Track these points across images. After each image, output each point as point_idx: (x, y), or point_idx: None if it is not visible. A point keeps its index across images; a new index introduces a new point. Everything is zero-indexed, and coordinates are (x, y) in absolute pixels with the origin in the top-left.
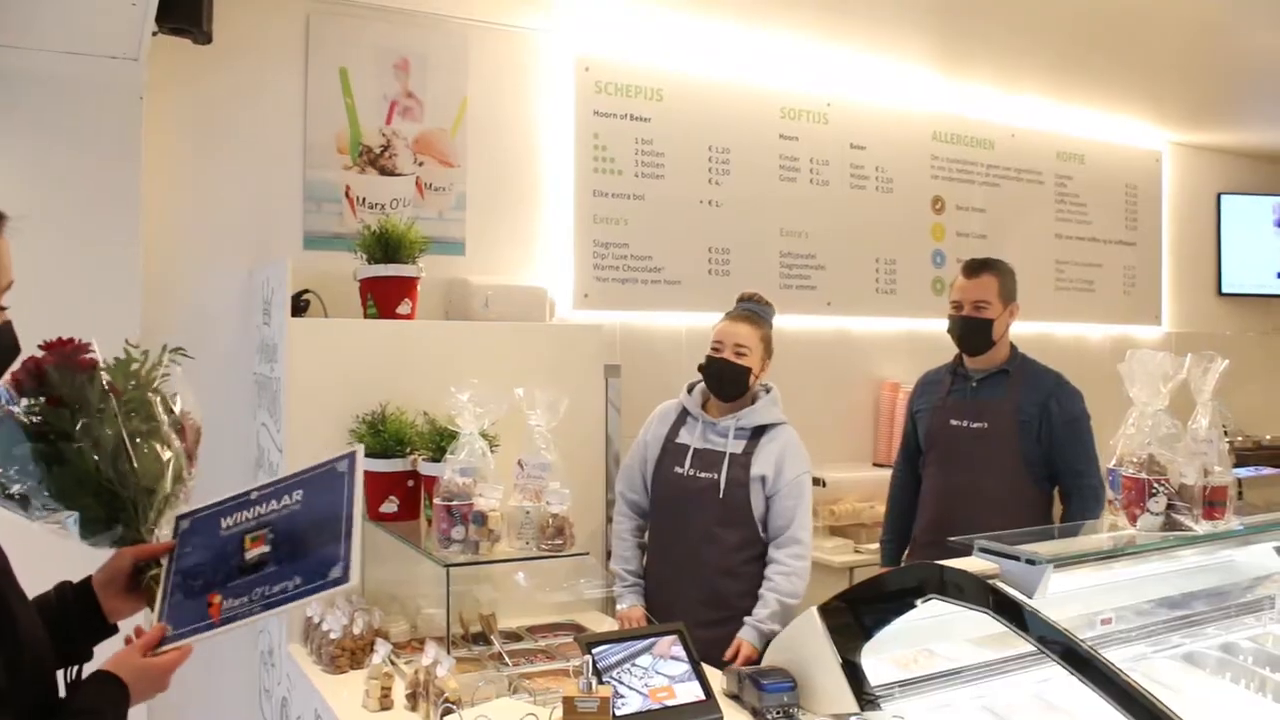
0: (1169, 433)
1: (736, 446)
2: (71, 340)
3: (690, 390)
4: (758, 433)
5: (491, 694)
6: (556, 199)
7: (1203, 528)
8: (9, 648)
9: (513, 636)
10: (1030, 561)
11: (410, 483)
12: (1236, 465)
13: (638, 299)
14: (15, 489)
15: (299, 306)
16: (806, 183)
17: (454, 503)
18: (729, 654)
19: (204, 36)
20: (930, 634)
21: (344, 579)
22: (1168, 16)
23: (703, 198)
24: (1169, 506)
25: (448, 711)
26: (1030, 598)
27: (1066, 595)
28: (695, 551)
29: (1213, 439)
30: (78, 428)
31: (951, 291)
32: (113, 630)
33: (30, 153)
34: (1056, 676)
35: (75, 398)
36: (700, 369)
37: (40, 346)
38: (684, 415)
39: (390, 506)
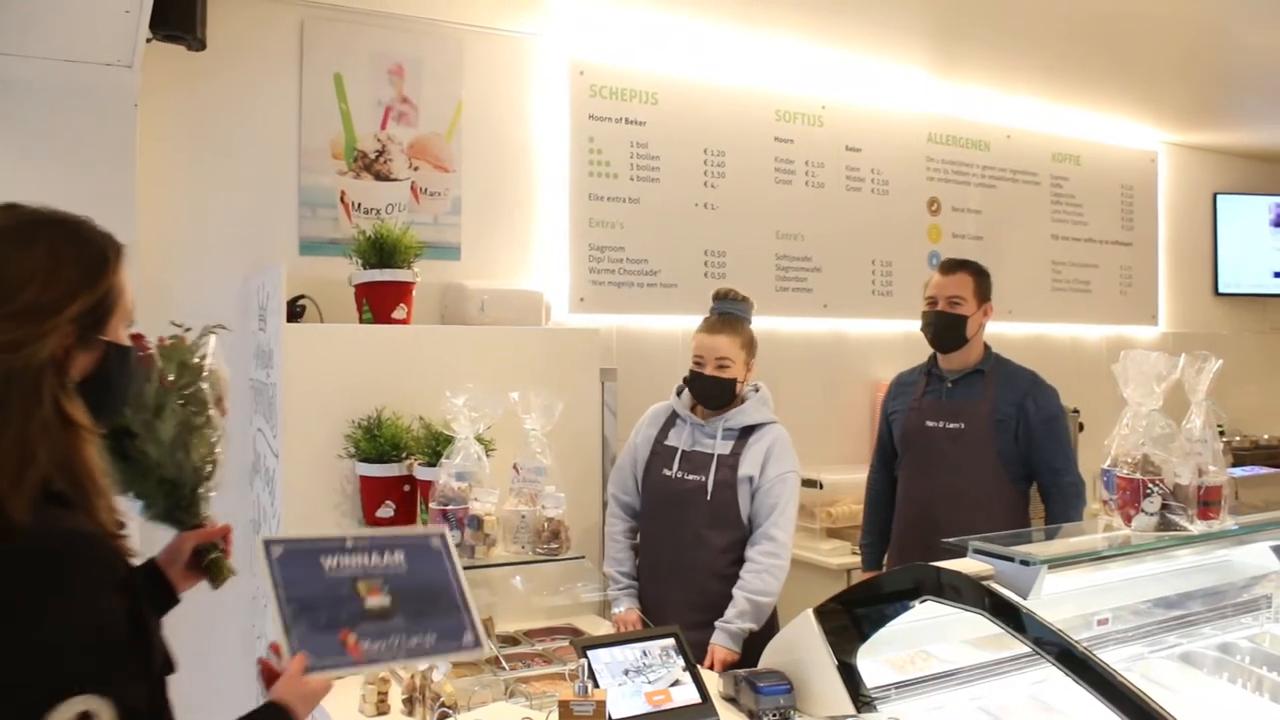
0: (1163, 433)
1: (724, 448)
2: (135, 337)
3: (679, 392)
4: (746, 433)
5: (488, 698)
6: (552, 203)
7: (1197, 528)
8: (150, 679)
9: (510, 640)
10: (1025, 562)
11: (406, 487)
12: (1233, 465)
13: (633, 302)
14: None
15: (294, 312)
16: (802, 185)
17: (450, 507)
18: (706, 663)
19: (198, 43)
20: (926, 635)
21: (477, 645)
22: (1163, 17)
23: (698, 200)
24: (1164, 507)
25: (444, 716)
26: (1025, 599)
27: (1062, 596)
28: (684, 554)
29: (1207, 439)
30: (139, 425)
31: (927, 288)
32: (176, 602)
33: (25, 160)
34: (1052, 677)
35: (136, 397)
36: (685, 382)
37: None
38: (673, 417)
39: (386, 511)
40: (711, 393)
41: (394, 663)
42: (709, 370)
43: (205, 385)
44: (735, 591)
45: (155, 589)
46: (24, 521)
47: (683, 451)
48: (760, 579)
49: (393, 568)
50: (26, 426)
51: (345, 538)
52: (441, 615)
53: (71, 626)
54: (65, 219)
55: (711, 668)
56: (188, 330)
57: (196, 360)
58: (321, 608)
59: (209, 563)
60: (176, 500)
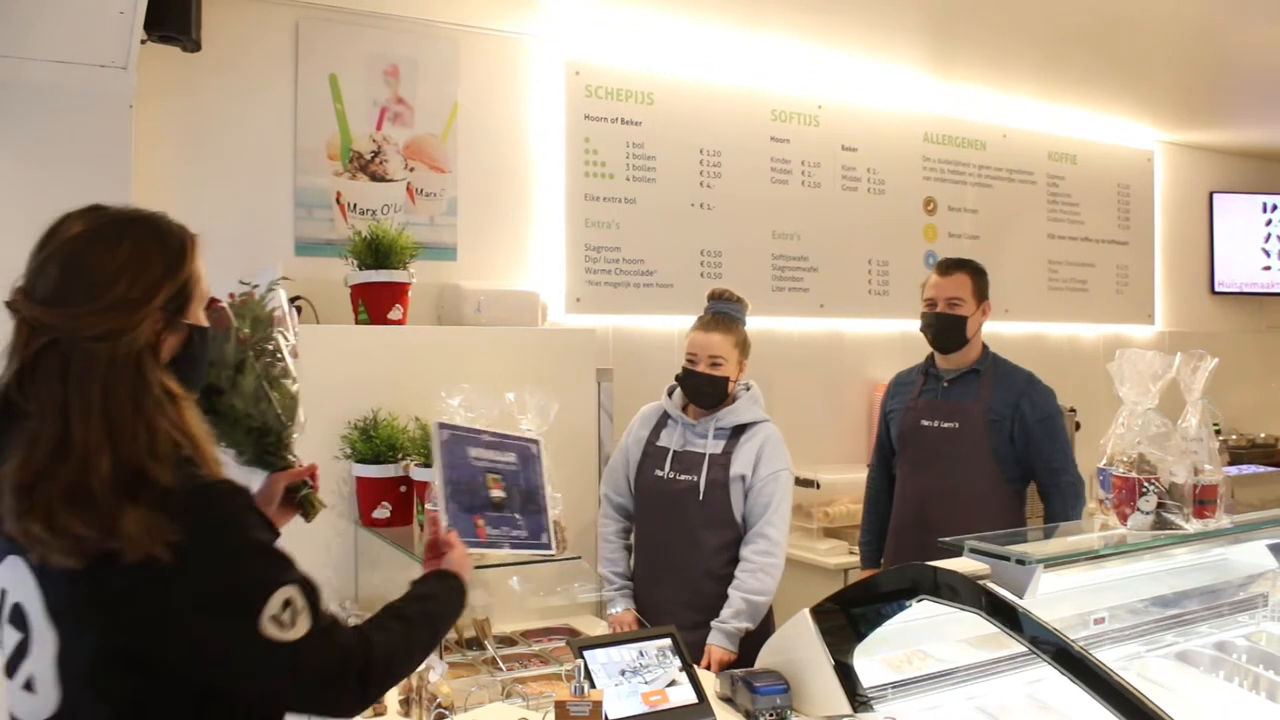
0: (1159, 432)
1: (716, 447)
2: (211, 301)
3: (671, 393)
4: (737, 432)
5: (485, 698)
6: (548, 203)
7: (1193, 526)
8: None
9: (507, 641)
10: (1021, 562)
11: (402, 488)
12: (1230, 464)
13: (629, 303)
14: None
15: None
16: (798, 185)
17: None
18: (703, 664)
19: (193, 44)
20: (923, 635)
21: (549, 548)
22: (1158, 16)
23: (694, 201)
24: (1159, 505)
25: (441, 717)
26: (1021, 598)
27: (1059, 595)
28: (679, 555)
29: (1203, 437)
30: (223, 382)
31: (925, 289)
32: (277, 537)
33: (19, 161)
34: (1049, 676)
35: (218, 356)
36: (678, 380)
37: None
38: (665, 417)
39: (382, 512)
40: (704, 390)
41: (501, 550)
42: (702, 368)
43: (279, 336)
44: (731, 591)
45: None
46: (170, 482)
47: (674, 452)
48: (755, 578)
49: (509, 465)
50: (142, 404)
51: (483, 431)
52: (532, 515)
53: (250, 548)
54: (146, 216)
55: (708, 668)
56: (255, 286)
57: (267, 313)
58: (465, 492)
59: (301, 499)
60: (265, 446)
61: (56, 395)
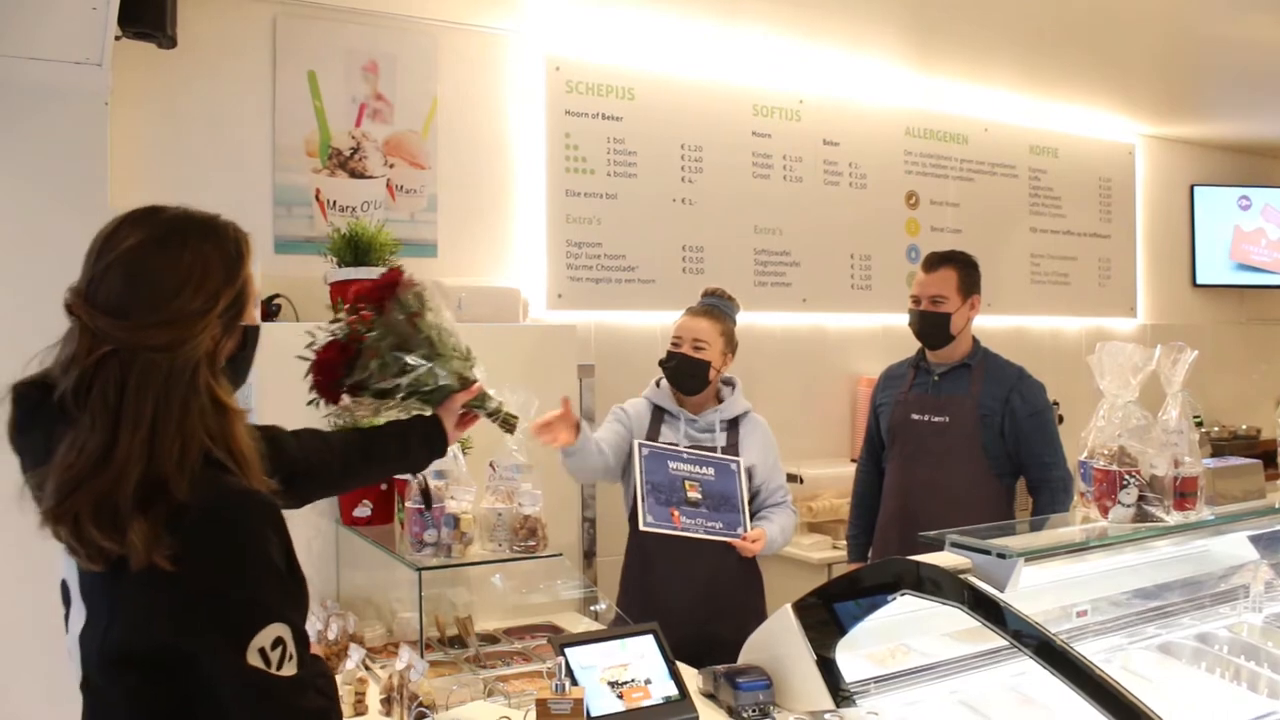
0: (1139, 424)
1: (721, 439)
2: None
3: (659, 383)
4: (733, 423)
5: (466, 697)
6: (529, 199)
7: (1174, 519)
8: (301, 605)
9: (489, 639)
10: (1001, 555)
11: (383, 486)
12: (1212, 455)
13: (612, 298)
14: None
15: (270, 311)
16: (780, 180)
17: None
18: (746, 538)
19: (168, 40)
20: (906, 629)
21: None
22: (1138, 10)
23: (676, 196)
24: (1140, 498)
25: (421, 716)
26: (1002, 591)
27: (1041, 588)
28: (688, 549)
29: (1183, 429)
30: (424, 357)
31: (912, 286)
32: (445, 452)
33: None
34: (1032, 670)
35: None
36: (660, 364)
37: (365, 287)
38: (659, 413)
39: (363, 511)
40: (685, 371)
41: (697, 535)
42: (685, 349)
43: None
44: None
45: (432, 437)
46: (187, 498)
47: (686, 447)
48: (782, 522)
49: (706, 476)
50: (186, 416)
51: (683, 451)
52: (728, 513)
53: (258, 567)
54: (203, 220)
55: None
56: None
57: (424, 290)
58: (663, 491)
59: (505, 418)
60: (465, 378)
61: (111, 406)
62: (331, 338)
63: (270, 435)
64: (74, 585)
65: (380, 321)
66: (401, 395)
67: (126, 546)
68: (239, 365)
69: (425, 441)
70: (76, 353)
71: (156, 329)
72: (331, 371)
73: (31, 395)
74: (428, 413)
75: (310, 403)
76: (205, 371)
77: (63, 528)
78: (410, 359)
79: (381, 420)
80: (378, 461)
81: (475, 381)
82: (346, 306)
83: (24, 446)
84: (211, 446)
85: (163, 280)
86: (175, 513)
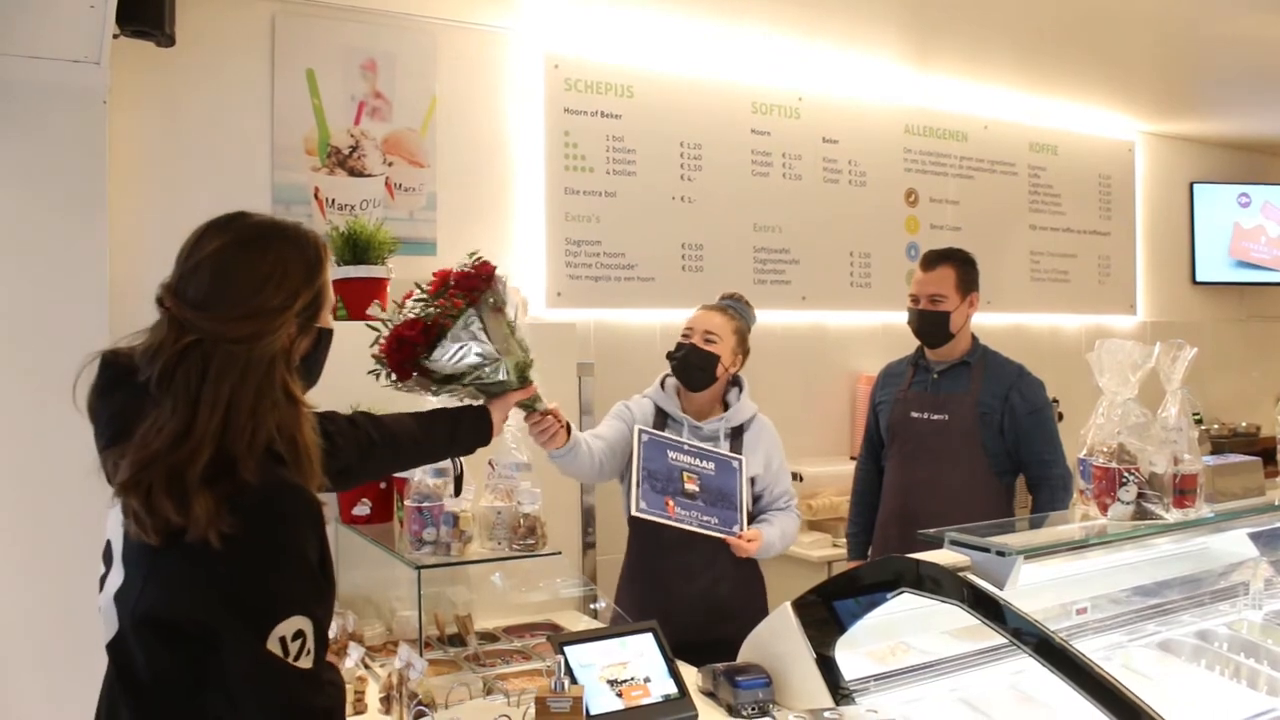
0: (1138, 422)
1: (725, 447)
2: (484, 271)
3: (664, 383)
4: (738, 430)
5: (465, 695)
6: (528, 197)
7: (1173, 516)
8: (328, 604)
9: (489, 637)
10: (1001, 553)
11: (382, 484)
12: (1212, 453)
13: (611, 296)
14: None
15: None
16: (779, 177)
17: (425, 504)
18: (741, 538)
19: (166, 39)
20: (905, 627)
21: (737, 534)
22: (1137, 7)
23: (675, 194)
24: (1139, 496)
25: (420, 714)
26: (1001, 589)
27: (1041, 586)
28: (689, 554)
29: (1182, 427)
30: (499, 350)
31: (911, 284)
32: (489, 441)
33: None
34: (1032, 667)
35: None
36: (668, 356)
37: (462, 275)
38: (663, 417)
39: (363, 509)
40: (693, 362)
41: (689, 527)
42: (695, 340)
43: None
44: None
45: (481, 426)
46: (253, 479)
47: None
48: (783, 526)
49: (706, 470)
50: (259, 404)
51: (684, 443)
52: (725, 509)
53: (294, 560)
54: (285, 227)
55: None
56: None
57: (500, 287)
58: (660, 480)
59: (524, 406)
60: (524, 378)
61: (193, 390)
62: (414, 316)
63: (327, 431)
64: (117, 548)
65: (469, 310)
66: (466, 382)
67: (190, 518)
68: (312, 365)
69: (474, 430)
70: (164, 341)
71: (238, 322)
72: (410, 349)
73: (119, 363)
74: (479, 402)
75: (372, 372)
76: (281, 366)
77: (135, 498)
78: (484, 350)
79: (435, 403)
80: (429, 445)
81: (532, 382)
82: (432, 290)
83: (100, 411)
84: (276, 437)
85: (246, 278)
86: (238, 490)
